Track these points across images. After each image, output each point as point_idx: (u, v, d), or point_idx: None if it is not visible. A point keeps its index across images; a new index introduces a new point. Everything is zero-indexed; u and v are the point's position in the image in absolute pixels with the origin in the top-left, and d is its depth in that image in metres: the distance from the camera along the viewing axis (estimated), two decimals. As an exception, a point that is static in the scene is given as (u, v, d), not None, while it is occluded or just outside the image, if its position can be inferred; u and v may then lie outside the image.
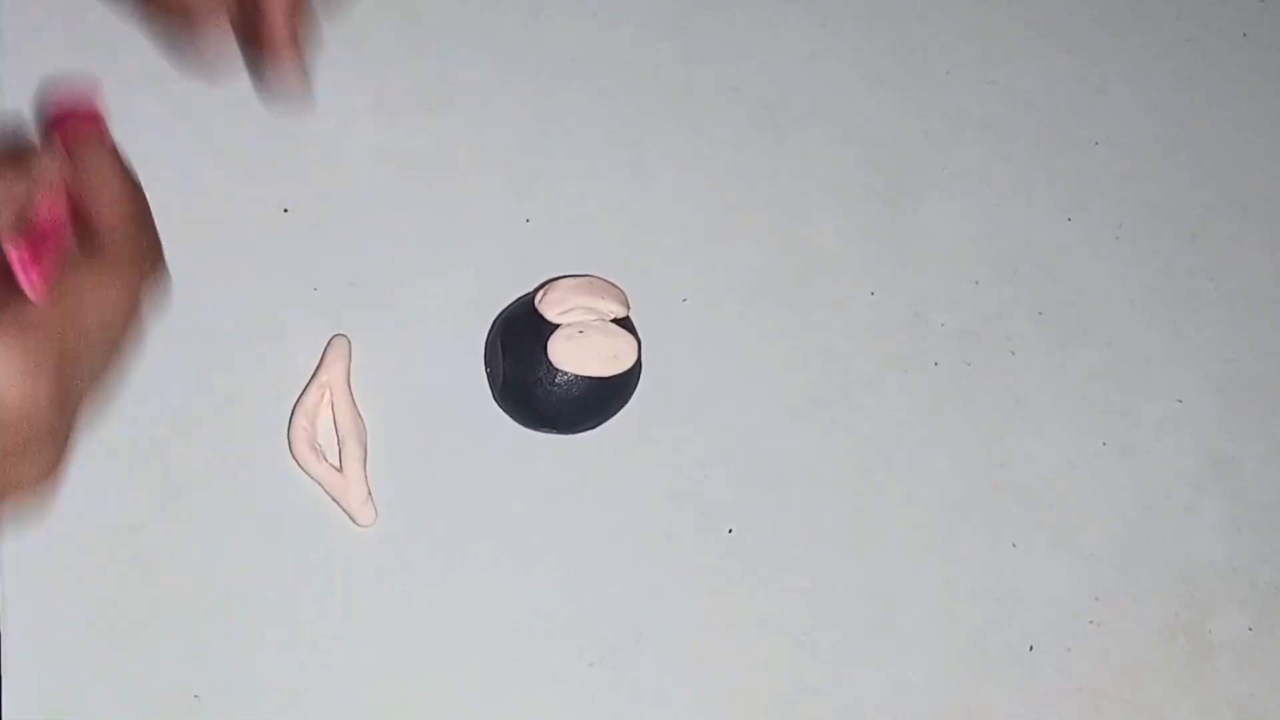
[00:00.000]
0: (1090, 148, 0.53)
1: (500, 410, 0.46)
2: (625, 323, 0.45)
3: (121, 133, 0.47)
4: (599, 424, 0.46)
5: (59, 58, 0.47)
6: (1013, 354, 0.51)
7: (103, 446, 0.43)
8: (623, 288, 0.46)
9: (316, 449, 0.44)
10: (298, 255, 0.47)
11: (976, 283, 0.51)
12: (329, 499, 0.44)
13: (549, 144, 0.49)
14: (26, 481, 0.32)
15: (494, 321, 0.46)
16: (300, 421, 0.44)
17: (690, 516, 0.47)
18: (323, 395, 0.45)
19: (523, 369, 0.44)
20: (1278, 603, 0.51)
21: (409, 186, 0.48)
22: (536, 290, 0.45)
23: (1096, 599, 0.49)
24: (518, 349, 0.44)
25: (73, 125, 0.36)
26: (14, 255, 0.34)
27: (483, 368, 0.46)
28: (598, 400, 0.45)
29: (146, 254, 0.35)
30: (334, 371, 0.45)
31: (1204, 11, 0.56)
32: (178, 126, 0.47)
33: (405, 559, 0.45)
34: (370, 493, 0.44)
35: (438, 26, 0.50)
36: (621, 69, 0.50)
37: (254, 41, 0.39)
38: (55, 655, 0.43)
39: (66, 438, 0.33)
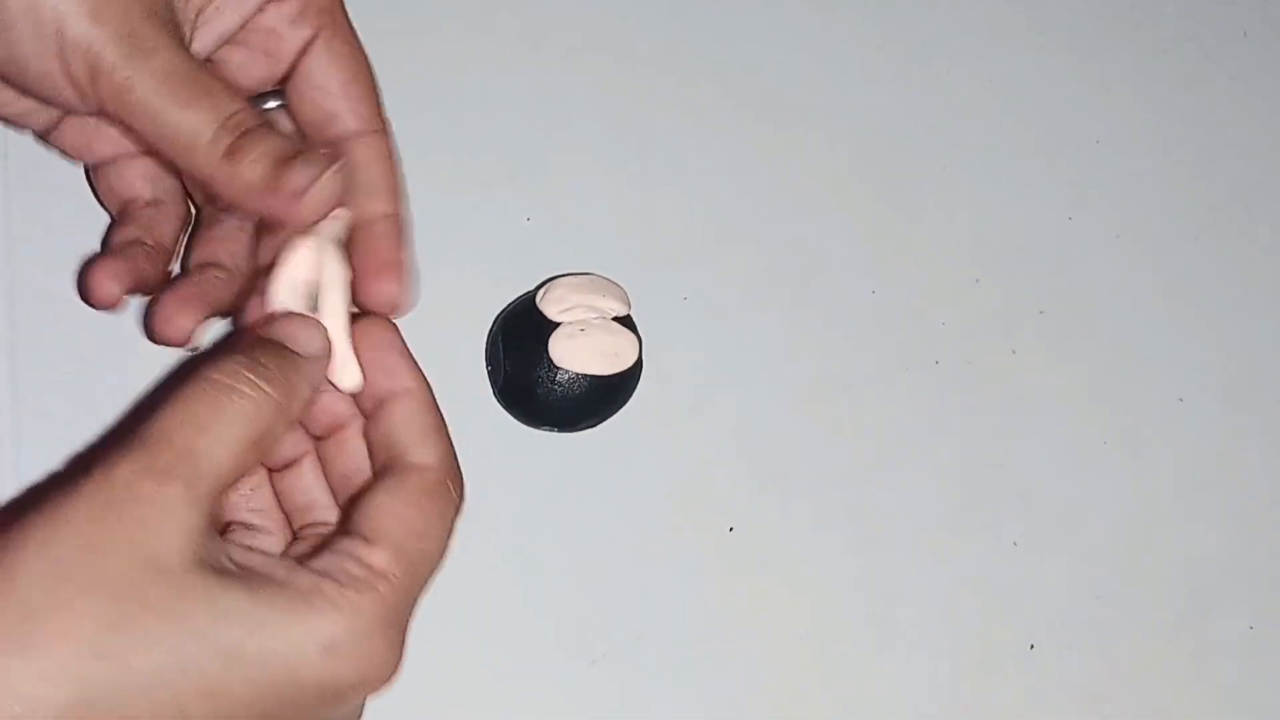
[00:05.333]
0: (1091, 146, 0.53)
1: (501, 408, 0.46)
2: (626, 321, 0.45)
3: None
4: (600, 422, 0.46)
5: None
6: (1013, 353, 0.51)
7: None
8: (623, 286, 0.46)
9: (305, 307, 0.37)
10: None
11: (977, 281, 0.51)
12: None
13: (549, 143, 0.49)
14: None
15: (494, 320, 0.46)
16: (288, 275, 0.37)
17: (691, 515, 0.47)
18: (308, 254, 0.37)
19: (523, 367, 0.44)
20: (1279, 602, 0.51)
21: (409, 185, 0.48)
22: (537, 288, 0.45)
23: (1097, 597, 0.49)
24: (518, 347, 0.44)
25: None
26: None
27: (483, 366, 0.46)
28: (599, 398, 0.45)
29: None
30: (324, 230, 0.37)
31: (1204, 11, 0.56)
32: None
33: (405, 558, 0.45)
34: (355, 355, 0.37)
35: (437, 24, 0.50)
36: (622, 66, 0.50)
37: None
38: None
39: None
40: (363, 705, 0.35)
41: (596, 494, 0.47)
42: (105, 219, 0.44)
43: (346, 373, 0.37)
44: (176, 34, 0.35)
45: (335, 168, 0.35)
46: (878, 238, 0.51)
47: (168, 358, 0.44)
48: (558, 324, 0.44)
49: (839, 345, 0.50)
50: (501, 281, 0.47)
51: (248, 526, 0.38)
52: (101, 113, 0.35)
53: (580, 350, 0.44)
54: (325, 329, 0.35)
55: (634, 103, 0.50)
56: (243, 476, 0.32)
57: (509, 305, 0.46)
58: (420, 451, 0.35)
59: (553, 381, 0.44)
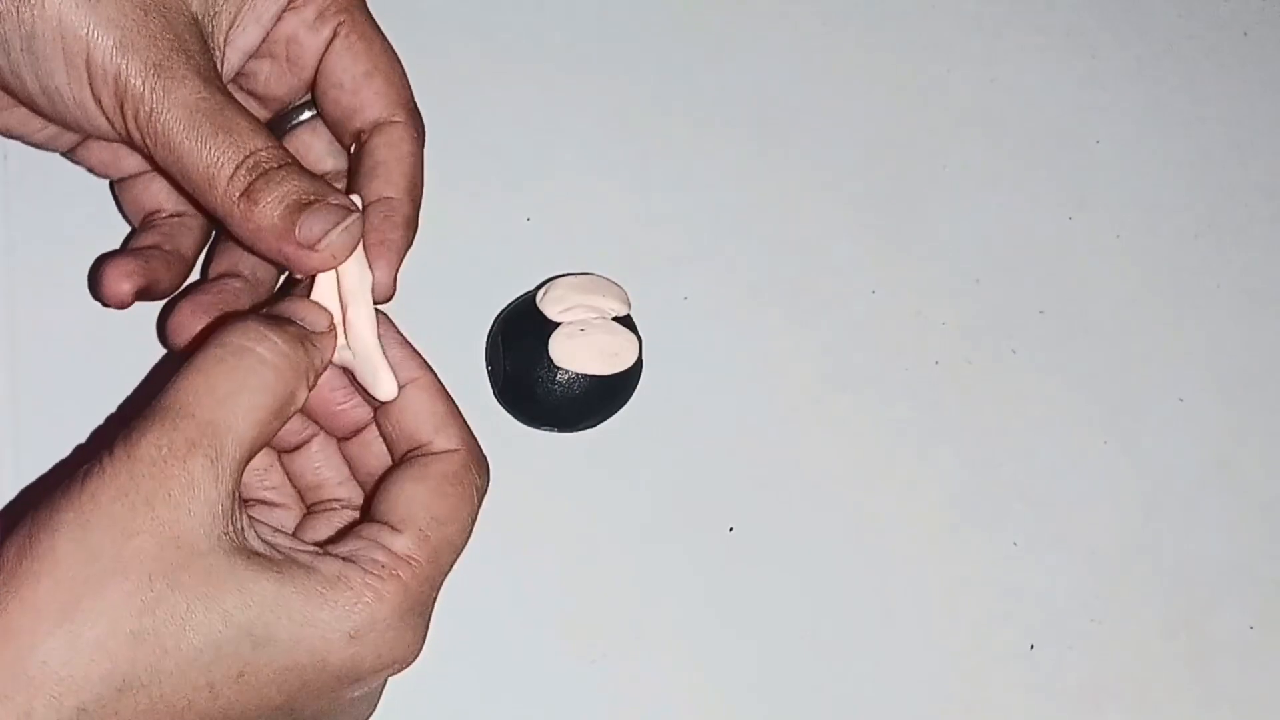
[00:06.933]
0: (1091, 146, 0.53)
1: (501, 408, 0.46)
2: (626, 321, 0.45)
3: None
4: (599, 422, 0.46)
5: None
6: (1013, 352, 0.51)
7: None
8: (623, 286, 0.46)
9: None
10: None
11: (977, 281, 0.51)
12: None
13: (549, 143, 0.49)
14: None
15: (494, 320, 0.46)
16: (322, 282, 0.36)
17: (691, 515, 0.47)
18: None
19: (523, 367, 0.44)
20: (1279, 602, 0.51)
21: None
22: (537, 288, 0.45)
23: (1097, 597, 0.49)
24: (518, 347, 0.44)
25: None
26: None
27: (483, 366, 0.46)
28: (598, 398, 0.45)
29: None
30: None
31: (1204, 11, 0.56)
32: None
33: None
34: (389, 363, 0.36)
35: (437, 24, 0.50)
36: (622, 67, 0.50)
37: None
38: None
39: None
40: (384, 684, 0.36)
41: (596, 494, 0.47)
42: (104, 216, 0.44)
43: (382, 383, 0.36)
44: (206, 65, 0.34)
45: (350, 220, 0.34)
46: (878, 238, 0.51)
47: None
48: (558, 324, 0.44)
49: (839, 345, 0.50)
50: (501, 281, 0.47)
51: (265, 503, 0.39)
52: (128, 141, 0.35)
53: (580, 350, 0.44)
54: (329, 312, 0.35)
55: (634, 103, 0.50)
56: (265, 445, 0.32)
57: (509, 305, 0.46)
58: (441, 438, 0.36)
59: (553, 381, 0.44)
